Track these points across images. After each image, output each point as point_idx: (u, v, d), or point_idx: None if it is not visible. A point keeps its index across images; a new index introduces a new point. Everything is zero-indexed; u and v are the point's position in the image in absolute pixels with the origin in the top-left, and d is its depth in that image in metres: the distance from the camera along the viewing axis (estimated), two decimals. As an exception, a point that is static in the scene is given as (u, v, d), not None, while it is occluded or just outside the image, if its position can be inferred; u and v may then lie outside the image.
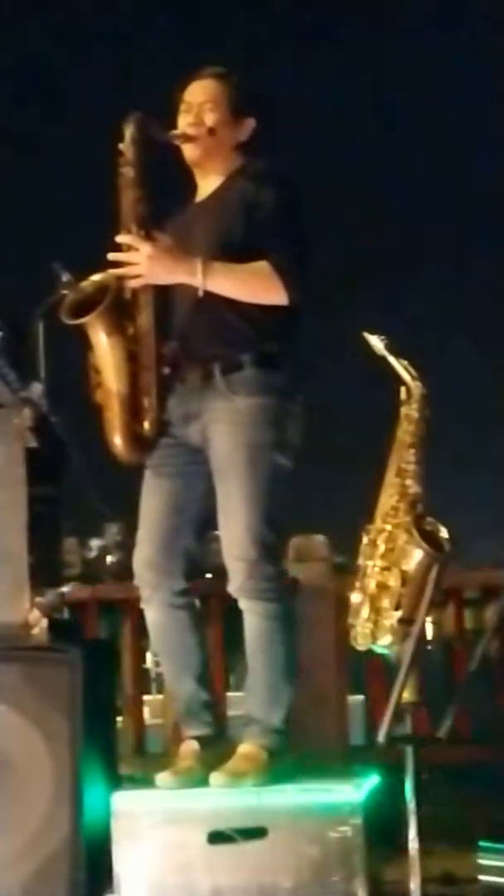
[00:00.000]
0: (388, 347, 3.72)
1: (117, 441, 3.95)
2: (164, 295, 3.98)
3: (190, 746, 3.98)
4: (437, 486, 3.78)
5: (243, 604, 3.90)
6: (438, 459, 3.82)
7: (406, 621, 3.57)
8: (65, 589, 4.29)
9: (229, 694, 5.62)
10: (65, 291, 4.05)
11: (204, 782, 3.79)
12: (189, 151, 4.02)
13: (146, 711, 6.17)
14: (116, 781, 4.19)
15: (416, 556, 3.59)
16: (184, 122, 4.01)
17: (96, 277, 3.96)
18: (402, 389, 3.74)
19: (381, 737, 3.38)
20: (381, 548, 3.66)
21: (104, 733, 4.21)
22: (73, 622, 4.70)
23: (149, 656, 6.38)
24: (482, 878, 3.97)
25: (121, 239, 3.90)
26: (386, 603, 3.62)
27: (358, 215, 8.11)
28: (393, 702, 3.40)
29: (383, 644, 3.62)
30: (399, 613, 3.59)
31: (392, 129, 8.31)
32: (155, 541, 3.99)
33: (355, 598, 3.68)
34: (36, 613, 4.11)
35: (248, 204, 3.94)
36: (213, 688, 4.13)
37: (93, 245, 3.99)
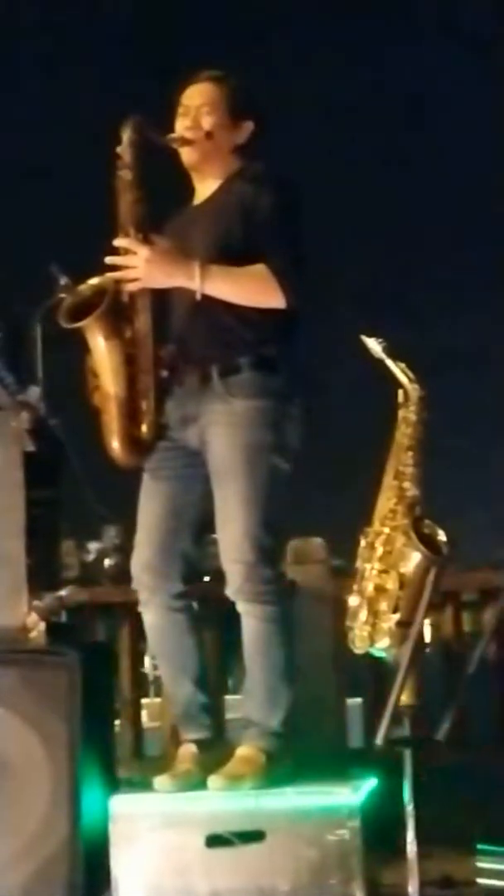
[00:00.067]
0: (386, 350, 3.72)
1: (115, 444, 3.95)
2: (161, 298, 3.98)
3: (188, 749, 3.98)
4: (435, 489, 3.78)
5: (241, 607, 3.90)
6: (436, 462, 3.82)
7: (404, 624, 3.57)
8: (63, 592, 4.29)
9: (227, 697, 5.61)
10: (62, 295, 4.06)
11: (202, 785, 3.79)
12: (186, 155, 4.02)
13: (144, 715, 6.16)
14: (114, 784, 4.19)
15: (413, 559, 3.59)
16: (181, 126, 4.01)
17: (94, 281, 3.96)
18: (400, 392, 3.74)
19: (379, 739, 3.38)
20: (379, 550, 3.66)
21: (102, 736, 4.21)
22: (70, 625, 4.69)
23: (147, 659, 6.38)
24: (480, 881, 3.97)
25: (118, 242, 3.90)
26: (384, 606, 3.62)
27: (358, 215, 8.12)
28: (391, 704, 3.40)
29: (381, 647, 3.62)
30: (397, 616, 3.59)
31: (392, 128, 8.31)
32: (153, 544, 3.99)
33: (353, 600, 3.68)
34: (34, 617, 4.11)
35: (246, 207, 3.94)
36: (210, 691, 4.13)
37: (90, 248, 3.99)
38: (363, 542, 3.69)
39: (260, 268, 3.86)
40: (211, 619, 5.18)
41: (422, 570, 3.57)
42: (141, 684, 6.22)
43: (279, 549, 4.21)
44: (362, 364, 3.75)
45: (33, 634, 4.09)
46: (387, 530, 3.67)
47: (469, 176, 8.23)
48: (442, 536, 3.61)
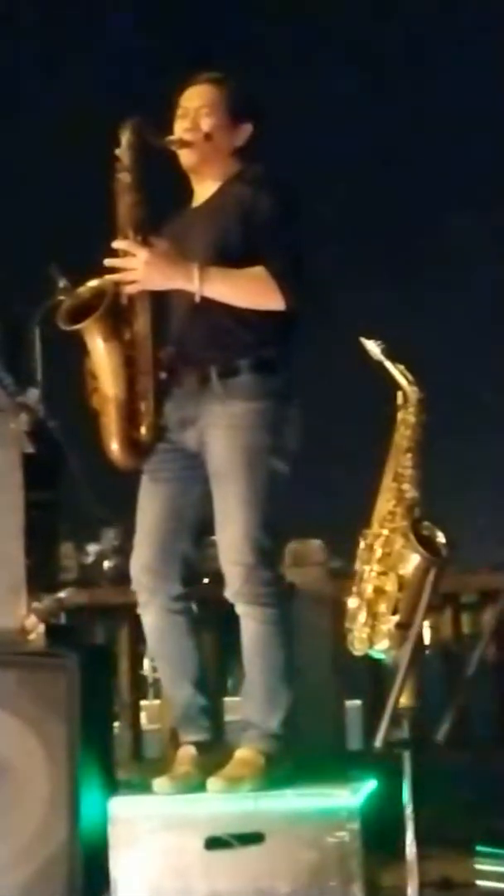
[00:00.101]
0: (385, 352, 3.72)
1: (114, 446, 3.95)
2: (160, 300, 3.98)
3: (187, 751, 3.98)
4: (435, 491, 3.77)
5: (240, 609, 3.90)
6: (435, 464, 3.81)
7: (403, 626, 3.57)
8: (62, 594, 4.29)
9: (227, 699, 5.61)
10: (62, 297, 4.06)
11: (201, 787, 3.79)
12: (185, 157, 4.02)
13: (143, 717, 6.16)
14: (113, 786, 4.19)
15: (413, 561, 3.58)
16: (180, 128, 4.01)
17: (93, 283, 3.96)
18: (399, 394, 3.74)
19: (378, 741, 3.38)
20: (378, 552, 3.65)
21: (101, 738, 4.21)
22: (69, 627, 4.69)
23: (146, 661, 6.38)
24: (480, 882, 3.97)
25: (117, 244, 3.90)
26: (383, 607, 3.61)
27: (357, 215, 8.12)
28: (390, 706, 3.40)
29: (380, 649, 3.62)
30: (396, 618, 3.59)
31: (392, 127, 8.31)
32: (152, 545, 3.99)
33: (352, 602, 3.67)
34: (33, 619, 4.10)
35: (245, 209, 3.94)
36: (209, 693, 4.13)
37: (89, 250, 3.99)
38: (362, 544, 3.69)
39: (259, 270, 3.86)
40: (210, 620, 5.18)
41: (421, 572, 3.56)
42: (140, 686, 6.22)
43: (278, 551, 4.21)
44: (361, 366, 3.75)
45: (32, 636, 4.09)
46: (386, 532, 3.66)
47: (469, 176, 8.23)
48: (441, 538, 3.60)
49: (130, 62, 7.99)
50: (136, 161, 3.92)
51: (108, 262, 3.90)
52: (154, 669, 6.08)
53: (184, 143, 4.00)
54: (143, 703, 6.26)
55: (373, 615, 3.63)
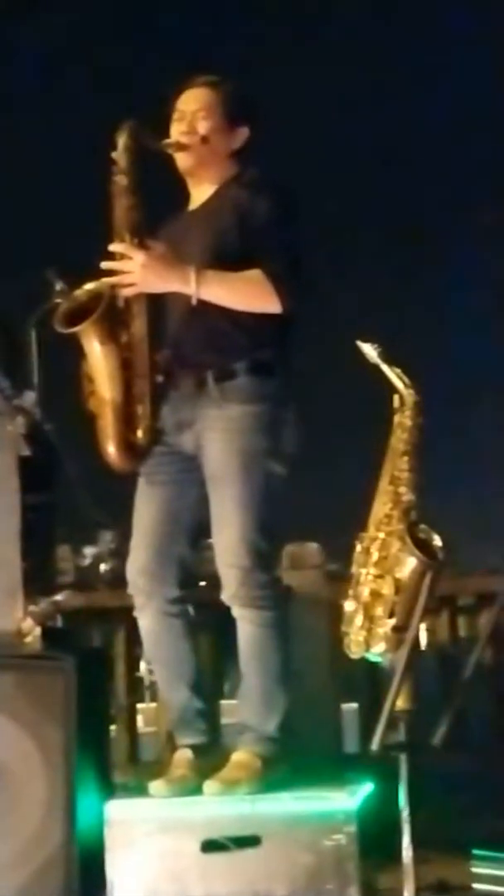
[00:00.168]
0: (382, 355, 3.72)
1: (111, 449, 3.95)
2: (157, 303, 3.98)
3: (184, 754, 3.98)
4: (431, 494, 3.78)
5: (236, 612, 3.91)
6: (431, 467, 3.81)
7: (400, 629, 3.57)
8: (58, 597, 4.29)
9: (223, 702, 5.61)
10: (58, 300, 4.06)
11: (198, 790, 3.79)
12: (182, 160, 4.02)
13: (140, 719, 6.16)
14: (110, 789, 4.19)
15: (409, 564, 3.59)
16: (176, 131, 4.01)
17: (90, 286, 3.96)
18: (396, 397, 3.74)
19: (374, 744, 3.38)
20: (375, 556, 3.66)
21: (98, 741, 4.21)
22: (66, 630, 4.69)
23: (142, 664, 6.37)
24: (476, 886, 3.97)
25: (114, 247, 3.90)
26: (380, 611, 3.62)
27: (356, 215, 8.11)
28: (387, 710, 3.40)
29: (377, 652, 3.62)
30: (393, 621, 3.59)
31: (392, 126, 8.30)
32: (149, 548, 3.99)
33: (349, 605, 3.68)
34: (29, 622, 4.11)
35: (242, 212, 3.94)
36: (206, 696, 4.13)
37: (86, 253, 3.98)
38: (359, 547, 3.69)
39: (255, 273, 3.86)
40: (207, 623, 5.18)
41: (417, 575, 3.57)
42: (136, 689, 6.21)
43: (275, 554, 4.21)
44: (358, 368, 3.75)
45: (29, 639, 4.09)
46: (382, 535, 3.67)
47: (469, 176, 8.22)
48: (437, 541, 3.61)
49: (129, 64, 7.98)
50: (132, 164, 3.92)
51: (104, 264, 3.90)
52: (150, 672, 6.07)
53: (180, 147, 4.00)
54: (139, 705, 6.26)
55: (369, 618, 3.63)
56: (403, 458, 3.71)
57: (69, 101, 7.83)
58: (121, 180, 3.93)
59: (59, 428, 4.44)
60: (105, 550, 6.09)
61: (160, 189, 4.18)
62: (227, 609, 3.93)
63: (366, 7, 8.34)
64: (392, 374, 3.73)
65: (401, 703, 3.47)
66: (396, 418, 3.74)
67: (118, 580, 4.72)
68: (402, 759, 3.50)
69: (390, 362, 3.73)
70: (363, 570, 3.66)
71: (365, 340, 3.74)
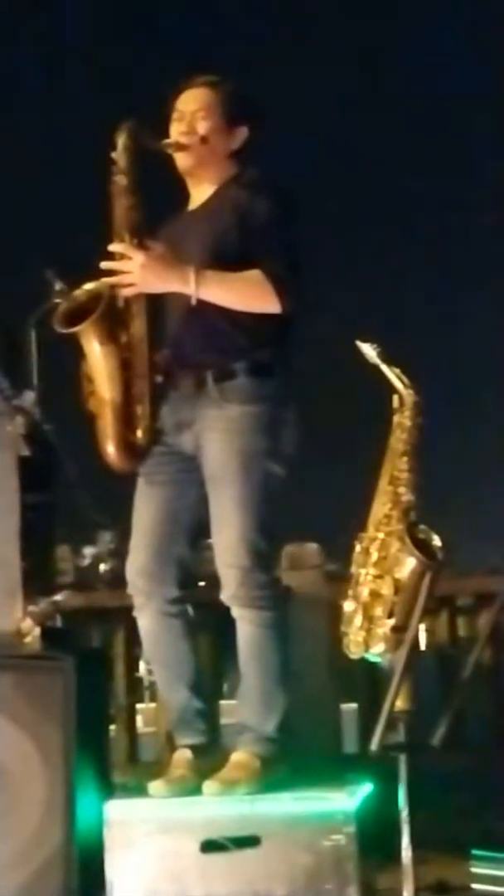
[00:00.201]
0: (381, 355, 3.72)
1: (110, 449, 3.95)
2: (156, 303, 3.98)
3: (183, 755, 3.98)
4: (430, 494, 3.78)
5: (236, 612, 3.90)
6: (431, 467, 3.81)
7: (399, 629, 3.57)
8: (58, 597, 4.29)
9: (223, 702, 5.61)
10: (58, 300, 4.06)
11: (197, 791, 3.79)
12: (181, 160, 4.02)
13: (139, 720, 6.16)
14: (109, 790, 4.19)
15: (408, 564, 3.59)
16: (176, 131, 4.01)
17: (89, 286, 3.96)
18: (395, 398, 3.74)
19: (374, 745, 3.38)
20: (374, 556, 3.66)
21: (97, 741, 4.21)
22: (65, 630, 4.69)
23: (142, 664, 6.37)
24: (476, 886, 3.97)
25: (114, 247, 3.90)
26: (379, 611, 3.62)
27: (356, 214, 8.12)
28: (386, 710, 3.40)
29: (376, 652, 3.62)
30: (392, 621, 3.59)
31: (392, 126, 8.30)
32: (148, 549, 3.99)
33: (348, 606, 3.68)
34: (29, 622, 4.11)
35: (241, 212, 3.94)
36: (205, 696, 4.13)
37: (86, 253, 3.98)
38: (358, 548, 3.69)
39: (255, 273, 3.86)
40: (206, 623, 5.18)
41: (417, 575, 3.57)
42: (136, 689, 6.22)
43: (274, 554, 4.21)
44: (357, 369, 3.75)
45: (28, 639, 4.09)
46: (382, 535, 3.67)
47: (470, 176, 8.23)
48: (437, 541, 3.61)
49: (129, 64, 7.98)
50: (132, 164, 3.92)
51: (104, 265, 3.90)
52: (150, 672, 6.08)
53: (180, 147, 4.00)
54: (138, 706, 6.26)
55: (369, 618, 3.63)
56: (403, 459, 3.71)
57: (69, 101, 7.84)
58: (120, 180, 3.92)
59: (59, 428, 4.44)
60: (104, 550, 6.09)
61: (160, 189, 4.18)
62: (227, 609, 3.93)
63: (366, 7, 8.35)
64: (391, 375, 3.73)
65: (400, 704, 3.47)
66: (396, 418, 3.74)
67: (117, 580, 4.73)
68: (402, 759, 3.50)
69: (390, 362, 3.73)
70: (362, 571, 3.66)
71: (364, 340, 3.74)
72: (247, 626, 3.89)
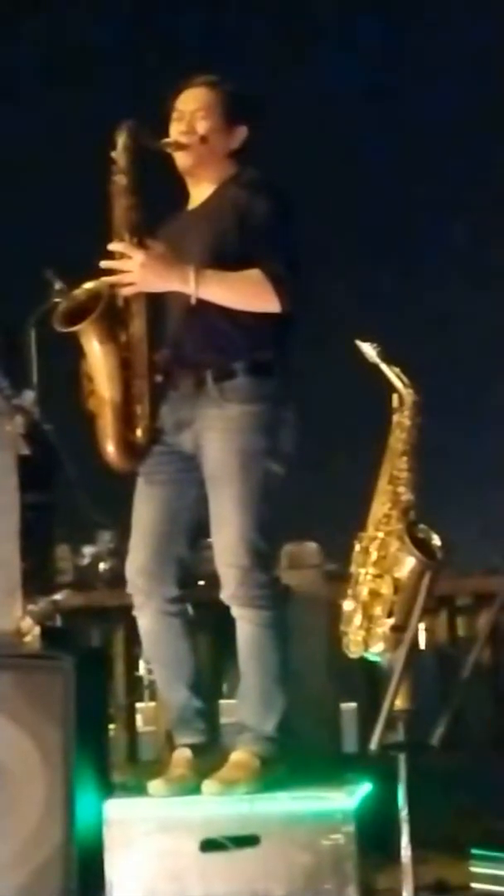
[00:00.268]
0: (381, 355, 3.72)
1: (110, 448, 3.95)
2: (156, 302, 3.98)
3: (182, 754, 3.98)
4: (430, 494, 3.78)
5: (235, 611, 3.91)
6: (430, 467, 3.82)
7: (398, 628, 3.57)
8: (57, 596, 4.29)
9: (222, 701, 5.61)
10: (57, 299, 4.06)
11: (196, 790, 3.79)
12: (181, 159, 4.02)
13: (138, 719, 6.16)
14: (109, 789, 4.19)
15: (408, 564, 3.59)
16: (175, 131, 4.01)
17: (89, 285, 3.96)
18: (395, 397, 3.74)
19: (373, 744, 3.38)
20: (374, 555, 3.66)
21: (97, 741, 4.21)
22: (65, 630, 4.69)
23: (141, 664, 6.38)
24: (475, 885, 3.97)
25: (113, 247, 3.90)
26: (378, 610, 3.62)
27: (356, 214, 8.12)
28: (385, 709, 3.41)
29: (376, 651, 3.62)
30: (391, 621, 3.59)
31: (392, 126, 8.30)
32: (148, 548, 3.99)
33: (348, 605, 3.68)
34: (28, 621, 4.11)
35: (241, 212, 3.94)
36: (205, 695, 4.13)
37: (86, 253, 3.98)
38: (357, 547, 3.69)
39: (255, 272, 3.86)
40: (206, 623, 5.18)
41: (416, 575, 3.57)
42: (135, 689, 6.22)
43: (273, 554, 4.21)
44: (357, 368, 3.75)
45: (28, 639, 4.09)
46: (381, 535, 3.67)
47: (470, 176, 8.23)
48: (436, 541, 3.61)
49: (128, 64, 7.98)
50: (131, 164, 3.92)
51: (104, 264, 3.90)
52: (149, 671, 6.08)
53: (179, 146, 4.00)
54: (138, 705, 6.26)
55: (368, 618, 3.63)
56: (402, 458, 3.71)
57: (69, 101, 7.83)
58: (120, 180, 3.93)
59: (59, 427, 4.44)
60: (104, 550, 6.09)
61: (159, 189, 4.18)
62: (227, 608, 3.93)
63: (366, 7, 8.35)
64: (391, 374, 3.73)
65: (399, 703, 3.47)
66: (395, 418, 3.74)
67: (117, 579, 4.73)
68: (401, 758, 3.50)
69: (389, 362, 3.73)
70: (362, 570, 3.66)
71: (364, 340, 3.74)
72: (246, 626, 3.90)
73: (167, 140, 4.00)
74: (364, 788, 3.88)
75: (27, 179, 7.55)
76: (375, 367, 3.73)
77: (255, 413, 3.88)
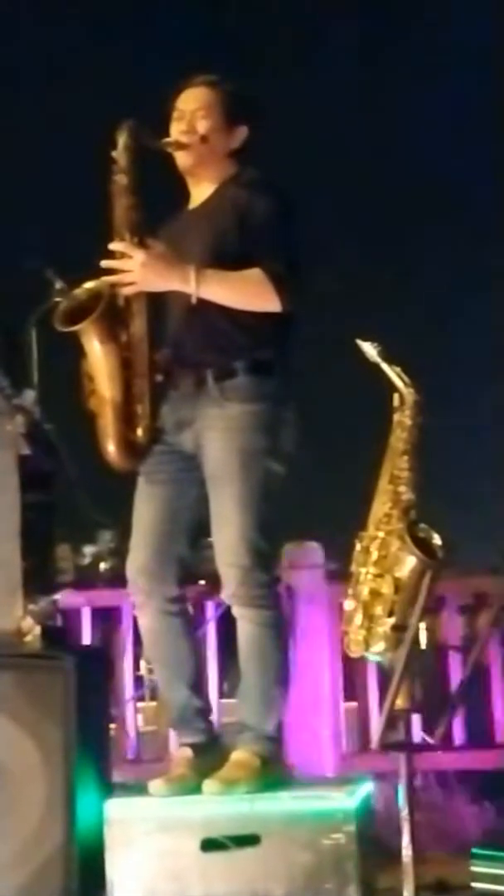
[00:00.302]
0: (382, 354, 3.72)
1: (111, 448, 3.95)
2: (157, 302, 3.98)
3: (183, 754, 3.98)
4: (431, 493, 3.78)
5: (236, 610, 3.90)
6: (430, 466, 3.82)
7: (399, 628, 3.57)
8: (58, 596, 4.29)
9: (223, 701, 5.61)
10: (58, 299, 4.06)
11: (197, 790, 3.79)
12: (182, 159, 4.02)
13: (139, 718, 6.16)
14: (109, 788, 4.18)
15: (409, 563, 3.59)
16: (176, 130, 4.01)
17: (90, 285, 3.96)
18: (396, 396, 3.75)
19: (374, 744, 3.38)
20: (375, 555, 3.66)
21: (97, 740, 4.21)
22: (66, 629, 4.69)
23: (142, 663, 6.38)
24: (475, 885, 3.97)
25: (114, 246, 3.90)
26: (379, 610, 3.62)
27: (356, 213, 8.12)
28: (386, 709, 3.41)
29: (376, 651, 3.63)
30: (392, 620, 3.59)
31: (392, 126, 8.30)
32: (148, 547, 3.99)
33: (348, 604, 3.68)
34: (29, 621, 4.11)
35: (241, 211, 3.94)
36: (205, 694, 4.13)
37: (86, 252, 3.98)
38: (358, 547, 3.70)
39: (255, 272, 3.86)
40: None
41: (417, 574, 3.57)
42: (136, 688, 6.21)
43: (274, 553, 4.21)
44: (358, 367, 3.75)
45: (28, 638, 4.09)
46: (382, 534, 3.67)
47: (470, 175, 8.23)
48: (437, 540, 3.61)
49: (129, 63, 7.98)
50: (132, 163, 3.92)
51: (104, 263, 3.90)
52: (150, 671, 6.08)
53: (180, 146, 4.00)
54: (139, 704, 6.25)
55: (369, 617, 3.64)
56: (403, 457, 3.71)
57: (69, 101, 7.83)
58: (121, 179, 3.93)
59: (59, 427, 4.44)
60: (104, 549, 6.09)
61: (160, 188, 4.18)
62: (227, 607, 3.93)
63: (366, 7, 8.35)
64: (392, 373, 3.73)
65: (400, 703, 3.47)
66: (396, 417, 3.75)
67: (118, 579, 4.73)
68: (402, 758, 3.50)
69: (390, 361, 3.73)
70: (363, 570, 3.67)
71: (365, 339, 3.74)
72: (247, 625, 3.89)
73: (168, 139, 4.00)
74: (365, 788, 3.88)
75: (28, 178, 7.55)
76: (376, 366, 3.73)
77: (256, 412, 3.88)
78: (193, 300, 3.86)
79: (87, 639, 5.73)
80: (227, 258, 3.89)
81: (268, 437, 3.89)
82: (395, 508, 3.68)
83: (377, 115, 8.32)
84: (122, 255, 3.89)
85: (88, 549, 6.17)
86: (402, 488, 3.69)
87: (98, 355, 3.93)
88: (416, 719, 4.21)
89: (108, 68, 7.95)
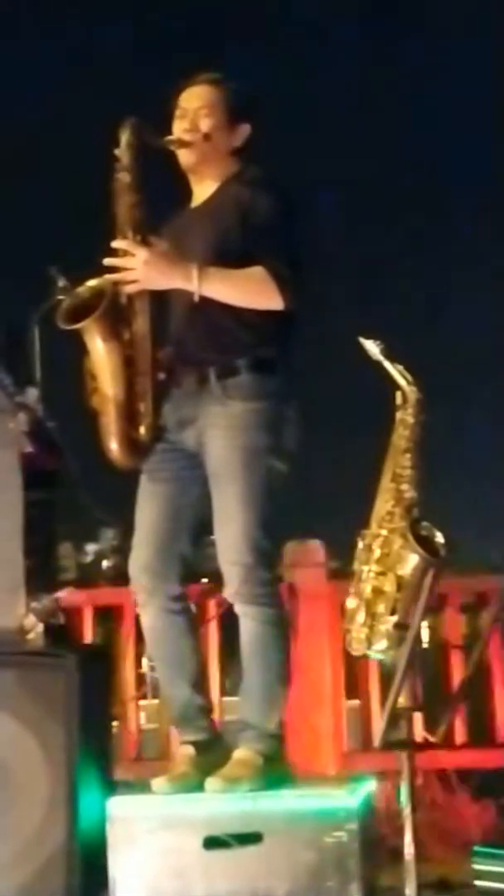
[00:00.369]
0: (384, 352, 3.72)
1: (113, 446, 3.95)
2: (160, 300, 3.98)
3: (185, 752, 3.98)
4: (433, 491, 3.78)
5: (238, 608, 3.91)
6: (433, 464, 3.82)
7: (401, 626, 3.57)
8: (60, 594, 4.29)
9: (225, 699, 5.61)
10: (61, 296, 4.06)
11: (199, 788, 3.79)
12: (184, 157, 4.02)
13: (142, 716, 6.16)
14: (112, 787, 4.18)
15: (411, 561, 3.59)
16: (179, 128, 4.02)
17: (92, 282, 3.96)
18: (398, 394, 3.75)
19: (376, 742, 3.38)
20: (377, 553, 3.66)
21: (100, 738, 4.21)
22: (68, 627, 4.69)
23: (144, 661, 6.38)
24: (477, 883, 3.97)
25: (117, 244, 3.90)
26: (381, 608, 3.62)
27: (357, 213, 8.13)
28: (389, 707, 3.41)
29: (378, 649, 3.62)
30: (394, 618, 3.59)
31: (392, 125, 8.31)
32: (151, 545, 3.99)
33: (351, 602, 3.68)
34: (31, 619, 4.10)
35: (244, 209, 3.94)
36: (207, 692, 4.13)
37: (89, 250, 3.99)
38: (361, 545, 3.69)
39: (257, 270, 3.86)
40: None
41: (419, 572, 3.57)
42: (139, 686, 6.21)
43: (276, 551, 4.21)
44: (360, 365, 3.75)
45: (31, 636, 4.09)
46: (384, 532, 3.67)
47: (470, 175, 8.24)
48: (439, 538, 3.61)
49: (131, 61, 7.99)
50: (135, 161, 3.92)
51: (107, 261, 3.90)
52: (153, 669, 6.08)
53: (182, 144, 4.00)
54: (141, 702, 6.25)
55: (371, 615, 3.63)
56: (405, 456, 3.71)
57: (71, 99, 7.84)
58: (123, 177, 3.93)
59: (62, 425, 4.44)
60: (107, 547, 6.09)
61: (163, 186, 4.18)
62: (230, 605, 3.93)
63: (366, 7, 8.36)
64: (394, 371, 3.73)
65: (402, 701, 3.47)
66: (398, 415, 3.74)
67: (120, 577, 4.73)
68: (404, 756, 3.50)
69: (393, 359, 3.73)
70: (365, 568, 3.67)
71: (367, 337, 3.74)
72: (249, 623, 3.90)
73: (170, 137, 4.00)
74: (367, 786, 3.88)
75: (30, 177, 7.55)
76: (379, 364, 3.73)
77: (258, 410, 3.88)
78: (196, 298, 3.86)
79: (89, 637, 5.73)
80: (229, 256, 3.90)
81: (270, 435, 3.89)
82: (398, 506, 3.67)
83: (377, 115, 8.32)
84: (125, 253, 3.89)
85: (91, 547, 6.17)
86: (405, 486, 3.69)
87: (101, 353, 3.93)
88: (418, 718, 4.20)
89: (109, 67, 7.96)
